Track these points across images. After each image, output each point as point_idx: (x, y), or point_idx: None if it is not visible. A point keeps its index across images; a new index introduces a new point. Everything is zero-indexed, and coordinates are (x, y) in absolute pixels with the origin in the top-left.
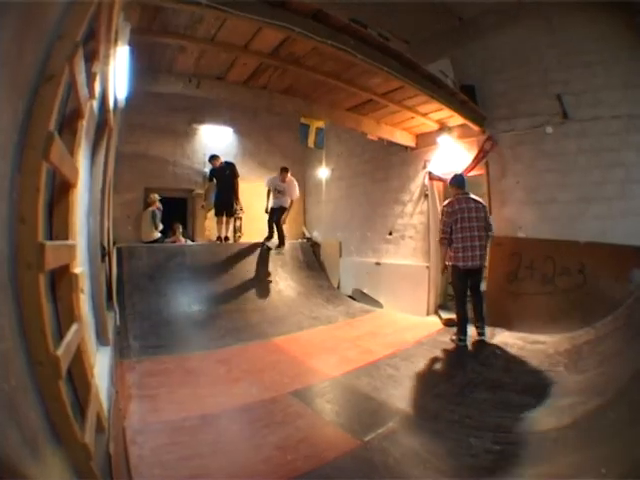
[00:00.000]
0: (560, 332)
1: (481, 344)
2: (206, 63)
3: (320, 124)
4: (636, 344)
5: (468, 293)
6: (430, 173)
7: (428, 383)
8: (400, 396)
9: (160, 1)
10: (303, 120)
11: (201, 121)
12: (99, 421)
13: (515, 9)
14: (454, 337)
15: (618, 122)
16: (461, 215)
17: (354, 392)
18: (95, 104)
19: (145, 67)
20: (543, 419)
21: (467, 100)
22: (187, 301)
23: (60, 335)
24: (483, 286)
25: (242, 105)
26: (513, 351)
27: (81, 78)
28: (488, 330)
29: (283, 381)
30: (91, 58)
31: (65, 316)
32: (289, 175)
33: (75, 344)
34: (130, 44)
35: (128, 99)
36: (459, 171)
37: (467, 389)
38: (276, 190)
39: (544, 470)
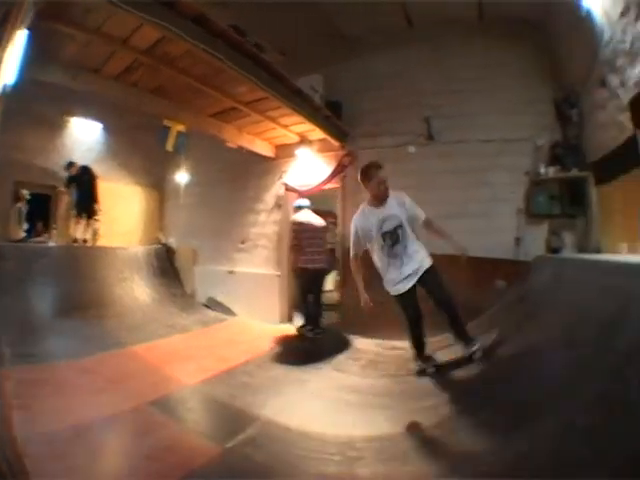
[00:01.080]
0: None
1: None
2: (87, 54)
3: (181, 128)
4: (496, 349)
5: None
6: (286, 184)
7: (284, 390)
8: (256, 403)
9: None
10: (166, 122)
11: (74, 114)
12: None
13: (402, 33)
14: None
15: (491, 145)
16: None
17: (212, 400)
18: None
19: (35, 54)
20: (406, 420)
21: (330, 116)
22: (52, 306)
23: None
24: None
25: (113, 102)
26: (369, 357)
27: None
28: (342, 336)
29: (145, 390)
30: None
31: None
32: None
33: None
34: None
35: (14, 86)
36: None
37: (320, 392)
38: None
39: (412, 470)
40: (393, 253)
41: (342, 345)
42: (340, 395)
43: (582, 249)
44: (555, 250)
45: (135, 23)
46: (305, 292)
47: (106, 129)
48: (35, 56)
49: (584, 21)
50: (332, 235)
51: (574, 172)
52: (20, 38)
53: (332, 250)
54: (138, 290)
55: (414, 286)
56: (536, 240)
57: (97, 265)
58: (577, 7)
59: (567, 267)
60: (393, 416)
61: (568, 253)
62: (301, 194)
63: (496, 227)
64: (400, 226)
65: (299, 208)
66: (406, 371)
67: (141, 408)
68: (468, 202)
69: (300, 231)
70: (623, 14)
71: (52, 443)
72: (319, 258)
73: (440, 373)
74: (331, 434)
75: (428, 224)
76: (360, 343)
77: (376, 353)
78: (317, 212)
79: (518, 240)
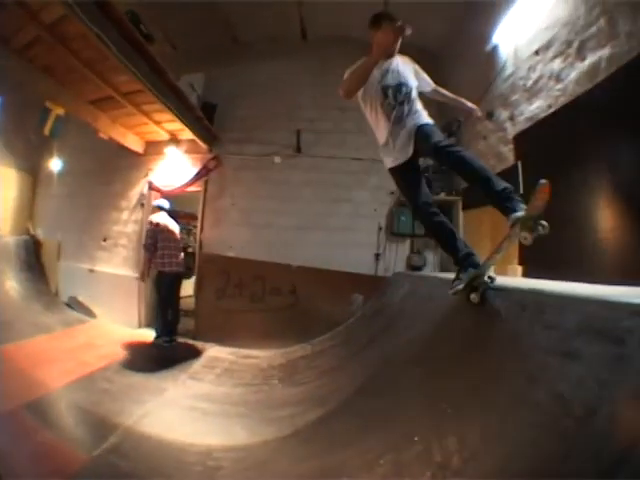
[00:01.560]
0: (274, 348)
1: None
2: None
3: (60, 111)
4: (357, 360)
5: None
6: (150, 183)
7: (141, 398)
8: (116, 410)
9: None
10: (48, 104)
11: None
12: None
13: (294, 45)
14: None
15: (358, 163)
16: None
17: (77, 406)
18: None
19: None
20: (262, 429)
21: (202, 118)
22: None
23: None
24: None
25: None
26: (225, 365)
27: None
28: (198, 345)
29: (18, 393)
30: None
31: None
32: None
33: None
34: None
35: None
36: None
37: (178, 401)
38: None
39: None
40: (394, 116)
41: (198, 353)
42: (197, 404)
43: (445, 268)
44: (416, 268)
45: None
46: (163, 297)
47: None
48: None
49: (487, 55)
50: (194, 238)
51: (442, 196)
52: None
53: (192, 254)
54: (8, 284)
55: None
56: (398, 257)
57: None
58: (485, 42)
59: (424, 284)
60: (249, 425)
61: (430, 272)
62: (163, 194)
63: (357, 242)
64: (404, 84)
65: (158, 209)
66: (262, 379)
67: (15, 412)
68: (330, 216)
69: (156, 232)
70: (538, 52)
71: None
72: (175, 261)
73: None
74: (190, 443)
75: (436, 91)
76: (216, 351)
77: (231, 362)
78: (178, 213)
79: (378, 256)
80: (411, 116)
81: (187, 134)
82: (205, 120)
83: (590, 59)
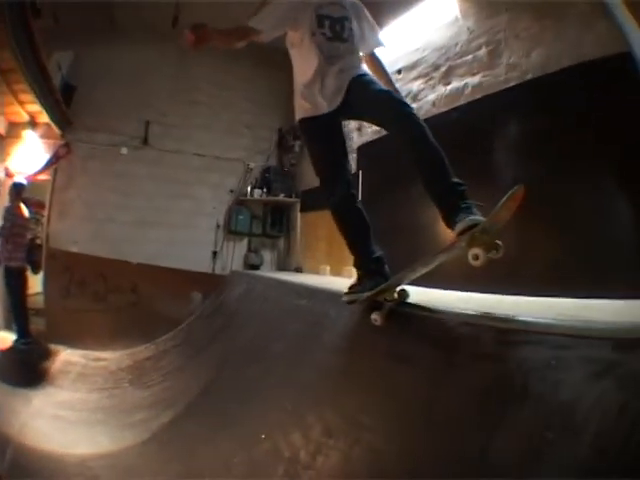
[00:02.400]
0: (121, 349)
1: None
2: None
3: None
4: (199, 361)
5: None
6: (7, 168)
7: (14, 407)
8: None
9: None
10: None
11: None
12: None
13: (164, 32)
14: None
15: (201, 160)
16: None
17: None
18: None
19: None
20: (122, 434)
21: (60, 101)
22: None
23: None
24: None
25: None
26: (78, 369)
27: None
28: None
29: None
30: None
31: None
32: None
33: None
34: None
35: None
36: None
37: (43, 410)
38: None
39: None
40: (327, 50)
41: (53, 357)
42: (60, 412)
43: (282, 268)
44: (253, 267)
45: None
46: (18, 294)
47: None
48: None
49: None
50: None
51: (281, 197)
52: None
53: (40, 246)
54: None
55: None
56: (235, 256)
57: None
58: None
59: (260, 284)
60: (110, 432)
61: (267, 270)
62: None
63: (195, 240)
64: (347, 18)
65: (18, 189)
66: (113, 383)
67: None
68: (171, 212)
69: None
70: (400, 72)
71: None
72: (21, 255)
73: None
74: (66, 453)
75: (375, 58)
76: (68, 354)
77: (83, 365)
78: (29, 200)
79: (215, 254)
80: (350, 58)
81: (43, 117)
82: (62, 104)
83: (455, 84)
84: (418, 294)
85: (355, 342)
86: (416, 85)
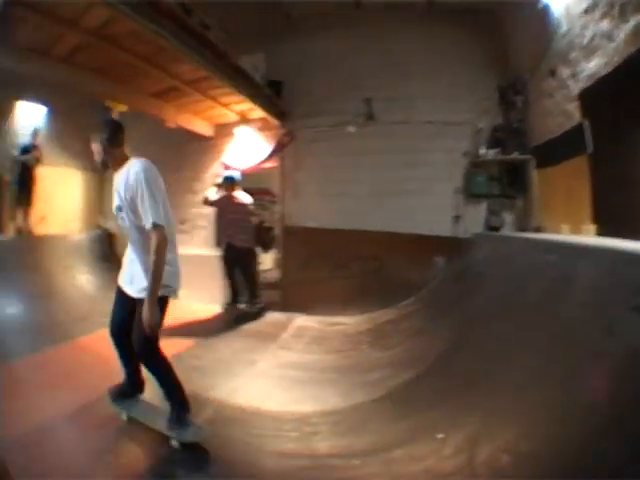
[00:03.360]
0: (360, 314)
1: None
2: (39, 37)
3: (123, 108)
4: (442, 322)
5: None
6: (224, 163)
7: (233, 371)
8: (207, 385)
9: None
10: (107, 103)
11: (20, 97)
12: None
13: (350, 15)
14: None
15: (431, 127)
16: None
17: None
18: None
19: None
20: (355, 393)
21: (271, 95)
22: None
23: None
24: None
25: (59, 83)
26: (313, 333)
27: None
28: (285, 315)
29: (101, 383)
30: None
31: None
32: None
33: None
34: None
35: None
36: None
37: (269, 371)
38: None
39: (371, 440)
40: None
41: (285, 323)
42: (288, 373)
43: (522, 229)
44: (494, 228)
45: (86, 3)
46: (230, 268)
47: (51, 112)
48: None
49: (539, 14)
50: (269, 213)
51: (515, 155)
52: None
53: (268, 228)
54: (82, 278)
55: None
56: (475, 218)
57: (39, 255)
58: (534, 1)
59: (505, 244)
60: (342, 390)
61: (507, 232)
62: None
63: (435, 205)
64: (119, 208)
65: (230, 181)
66: (350, 345)
67: (100, 402)
68: (406, 181)
69: (227, 205)
70: (587, 12)
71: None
72: (245, 237)
73: None
74: (285, 411)
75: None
76: (303, 320)
77: (319, 330)
78: (251, 190)
79: (457, 218)
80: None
81: (256, 113)
82: (274, 97)
83: (633, 22)
84: None
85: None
86: (605, 24)
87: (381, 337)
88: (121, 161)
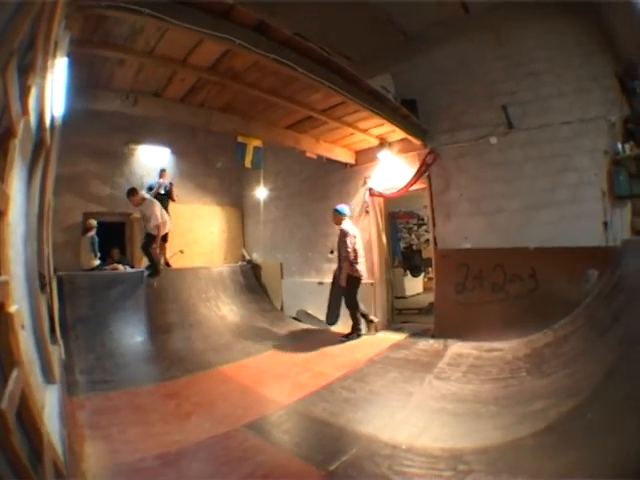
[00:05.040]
0: (516, 338)
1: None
2: (144, 78)
3: (258, 143)
4: (602, 342)
5: None
6: (371, 189)
7: (387, 404)
8: (359, 419)
9: (103, 9)
10: (240, 139)
11: (138, 141)
12: (56, 468)
13: (461, 22)
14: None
15: (569, 127)
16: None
17: (311, 419)
18: (31, 121)
19: (82, 82)
20: (515, 427)
21: (409, 115)
22: (129, 332)
23: (4, 379)
24: None
25: (179, 124)
26: (469, 361)
27: (14, 91)
28: (440, 342)
29: (236, 413)
30: (26, 70)
31: (5, 361)
32: (139, 196)
33: (19, 390)
34: (69, 56)
35: (65, 117)
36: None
37: (424, 403)
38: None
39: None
40: None
41: (441, 350)
42: (445, 405)
43: None
44: None
45: (192, 40)
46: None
47: (175, 153)
48: (83, 85)
49: None
50: (417, 236)
51: None
52: (60, 66)
53: (417, 251)
54: (225, 309)
55: None
56: (623, 224)
57: (181, 286)
58: None
59: None
60: (502, 424)
61: None
62: (387, 198)
63: (584, 213)
64: None
65: (343, 215)
66: (509, 373)
67: (234, 433)
68: (555, 189)
69: (351, 240)
70: None
71: (132, 474)
72: (340, 265)
73: None
74: (438, 447)
75: None
76: (458, 347)
77: (475, 357)
78: (397, 214)
79: (606, 224)
80: None
81: (396, 135)
82: (412, 116)
83: None
84: None
85: None
86: None
87: (540, 362)
88: None
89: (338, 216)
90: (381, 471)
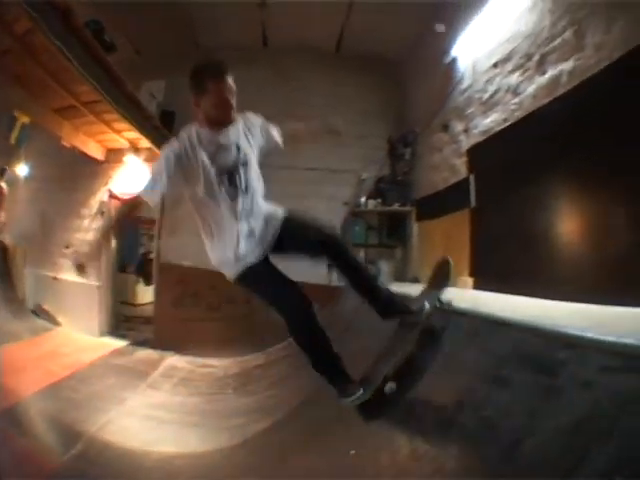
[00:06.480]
0: (231, 357)
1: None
2: None
3: (26, 120)
4: (305, 371)
5: None
6: (110, 191)
7: (105, 407)
8: (80, 419)
9: None
10: (15, 113)
11: None
12: None
13: (257, 52)
14: None
15: (313, 174)
16: None
17: (46, 414)
18: None
19: None
20: (213, 438)
21: (160, 127)
22: None
23: None
24: None
25: None
26: (182, 374)
27: None
28: (157, 353)
29: None
30: None
31: None
32: None
33: None
34: None
35: None
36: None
37: (137, 410)
38: None
39: None
40: (233, 208)
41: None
42: (153, 413)
43: (399, 278)
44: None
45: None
46: None
47: None
48: None
49: (444, 69)
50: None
51: (395, 206)
52: None
53: (152, 260)
54: None
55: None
56: None
57: None
58: (443, 54)
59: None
60: (203, 434)
61: (384, 281)
62: (123, 202)
63: None
64: (245, 164)
65: None
66: (217, 389)
67: None
68: None
69: None
70: (496, 65)
71: None
72: None
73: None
74: (150, 451)
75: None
76: (174, 360)
77: (189, 371)
78: (140, 219)
79: (330, 267)
80: (258, 211)
81: (145, 142)
82: (163, 129)
83: (551, 72)
84: None
85: None
86: (514, 78)
87: (248, 382)
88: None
89: None
90: (100, 465)
